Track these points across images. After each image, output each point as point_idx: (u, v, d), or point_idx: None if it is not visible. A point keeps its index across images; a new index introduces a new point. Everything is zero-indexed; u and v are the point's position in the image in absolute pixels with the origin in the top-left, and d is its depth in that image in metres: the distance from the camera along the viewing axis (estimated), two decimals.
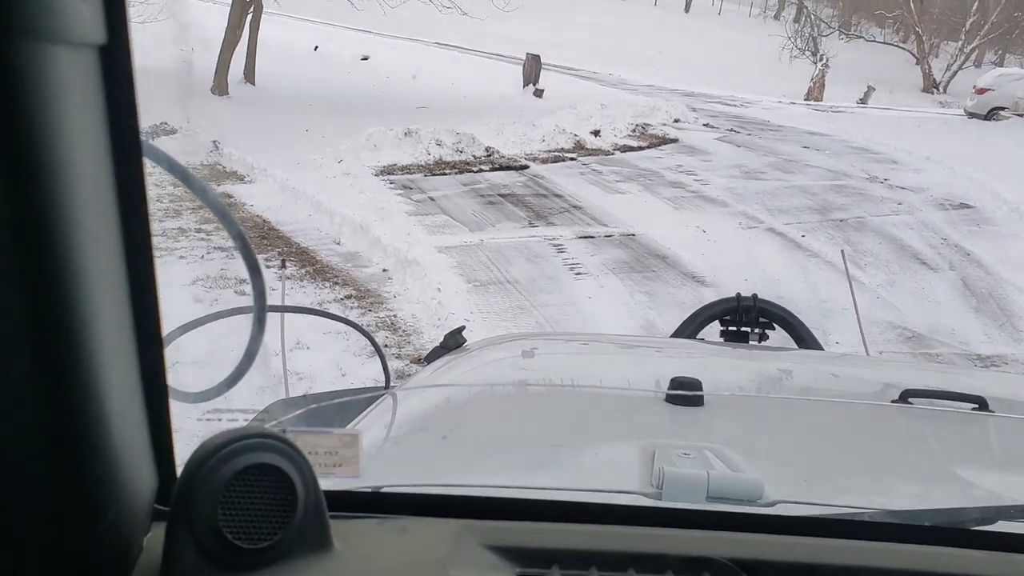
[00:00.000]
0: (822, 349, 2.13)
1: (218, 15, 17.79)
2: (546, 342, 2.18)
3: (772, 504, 0.88)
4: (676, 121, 15.38)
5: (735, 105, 22.65)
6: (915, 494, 1.10)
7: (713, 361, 1.77)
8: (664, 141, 13.54)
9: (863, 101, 30.27)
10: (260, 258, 0.95)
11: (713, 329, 2.16)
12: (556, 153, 12.15)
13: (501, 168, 11.11)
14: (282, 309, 1.66)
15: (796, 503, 0.90)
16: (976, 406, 1.27)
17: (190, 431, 1.06)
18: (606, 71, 28.05)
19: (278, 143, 11.92)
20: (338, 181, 9.85)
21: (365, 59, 26.69)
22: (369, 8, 21.65)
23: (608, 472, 1.07)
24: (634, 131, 14.01)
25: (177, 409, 0.69)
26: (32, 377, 0.46)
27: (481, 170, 10.95)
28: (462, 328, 1.82)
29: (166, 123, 11.02)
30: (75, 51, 0.43)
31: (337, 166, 10.43)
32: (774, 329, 2.08)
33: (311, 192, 9.02)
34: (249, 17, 18.18)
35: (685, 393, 1.24)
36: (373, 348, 1.71)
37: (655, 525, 0.77)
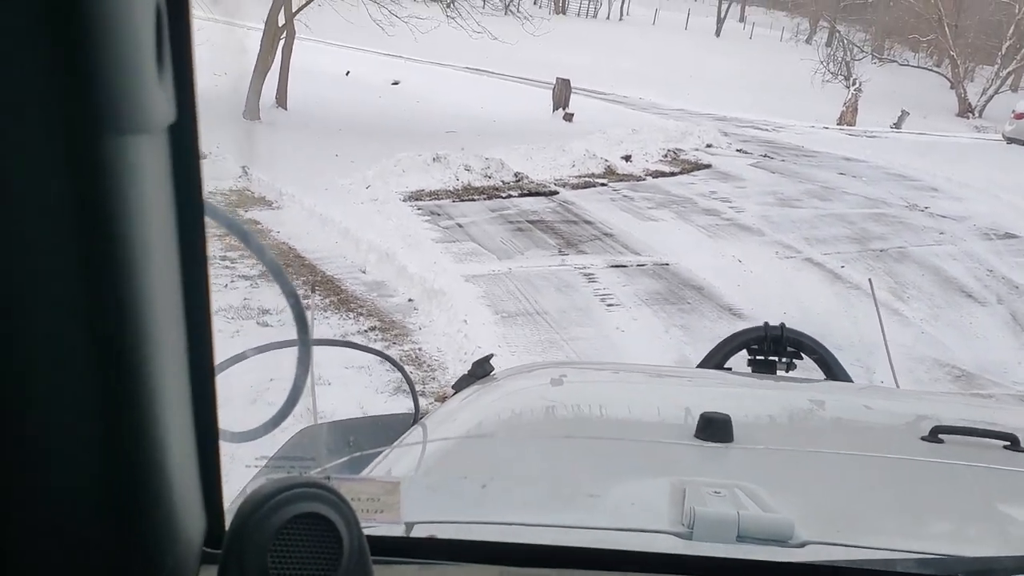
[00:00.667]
0: (851, 380, 2.08)
1: (255, 40, 17.88)
2: (574, 371, 2.16)
3: (802, 545, 0.87)
4: (709, 146, 15.09)
5: (767, 130, 22.33)
6: (946, 537, 1.07)
7: (742, 393, 1.73)
8: (697, 167, 13.26)
9: (897, 126, 29.78)
10: None
11: (740, 358, 2.13)
12: (586, 179, 11.92)
13: (530, 194, 10.89)
14: (316, 343, 1.60)
15: (826, 544, 0.89)
16: (1008, 443, 1.23)
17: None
18: (636, 95, 27.86)
19: (307, 168, 11.81)
20: (366, 207, 9.68)
21: (396, 84, 26.70)
22: (400, 34, 21.68)
23: (639, 510, 1.06)
24: (666, 156, 13.75)
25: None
26: (98, 423, 0.48)
27: (510, 196, 10.74)
28: (490, 356, 1.80)
29: None
30: (152, 136, 0.46)
31: (365, 192, 10.28)
32: (801, 359, 2.05)
33: (338, 219, 8.85)
34: (281, 43, 18.24)
35: (715, 429, 1.22)
36: (404, 379, 1.71)
37: (687, 573, 0.78)
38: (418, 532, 0.91)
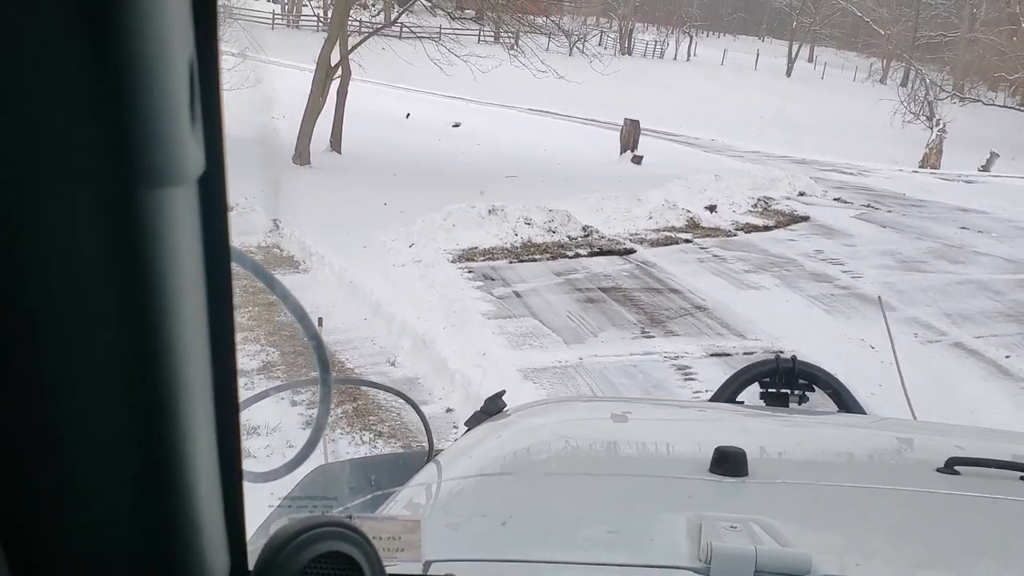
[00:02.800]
0: (864, 412, 1.95)
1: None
2: (588, 406, 2.08)
3: None
4: (801, 194, 13.02)
5: (853, 174, 20.09)
6: (962, 570, 1.01)
7: (755, 426, 1.66)
8: (793, 219, 11.21)
9: (986, 168, 27.12)
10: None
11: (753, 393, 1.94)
12: (667, 233, 9.98)
13: (602, 252, 9.00)
14: (337, 382, 1.83)
15: None
16: None
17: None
18: (707, 137, 25.86)
19: (349, 220, 10.16)
20: (407, 271, 7.91)
21: (457, 126, 25.24)
22: (461, 74, 20.16)
23: (657, 546, 1.00)
24: (755, 206, 11.73)
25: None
26: (127, 462, 0.49)
27: (578, 255, 8.87)
28: (502, 393, 1.70)
29: None
30: (184, 187, 0.47)
31: (408, 251, 8.52)
32: (814, 391, 1.92)
33: (372, 286, 7.09)
34: (337, 84, 16.80)
35: (730, 463, 1.15)
36: (419, 418, 1.57)
37: None
38: (436, 570, 0.89)
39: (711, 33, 49.45)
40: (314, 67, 16.06)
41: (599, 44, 38.10)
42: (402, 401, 1.69)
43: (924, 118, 29.77)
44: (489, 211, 9.41)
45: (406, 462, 1.65)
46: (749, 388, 2.00)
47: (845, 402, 1.93)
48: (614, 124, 25.71)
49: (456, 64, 17.84)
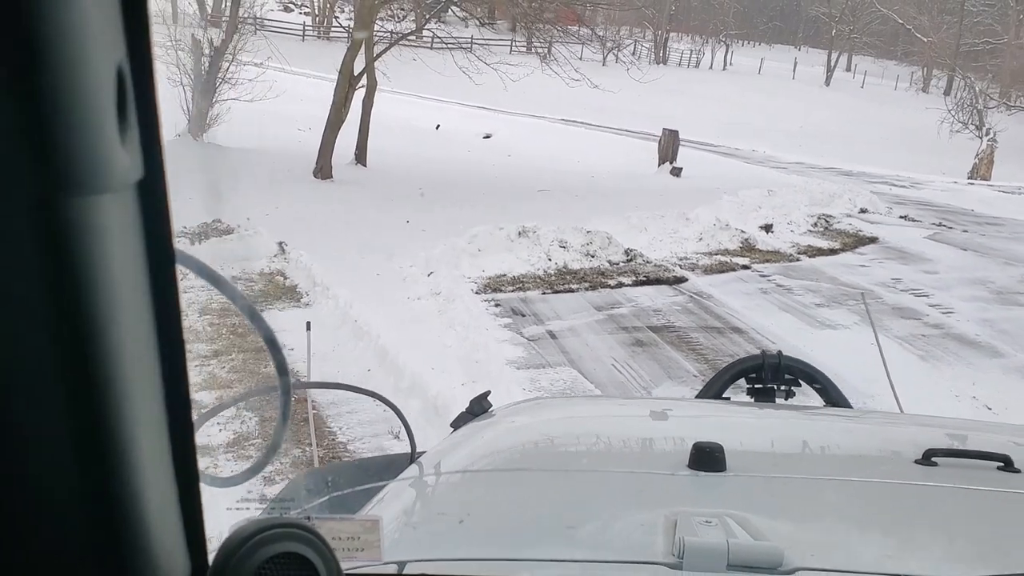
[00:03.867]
0: (850, 407, 1.90)
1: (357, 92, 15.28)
2: (573, 404, 2.05)
3: (793, 572, 0.83)
4: (863, 211, 11.62)
5: (905, 187, 18.57)
6: (938, 560, 0.99)
7: (738, 422, 1.61)
8: (860, 240, 9.82)
9: None
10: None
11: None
12: (720, 258, 8.67)
13: (648, 281, 7.72)
14: (299, 387, 1.71)
15: (816, 570, 0.84)
16: (1001, 464, 1.16)
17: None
18: (747, 147, 24.41)
19: (364, 242, 8.99)
20: (424, 305, 6.70)
21: (487, 137, 24.07)
22: (492, 85, 18.98)
23: (630, 542, 0.98)
24: (815, 225, 10.37)
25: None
26: (78, 471, 0.48)
27: (621, 284, 7.60)
28: (487, 393, 1.67)
29: (219, 221, 8.22)
30: (116, 195, 0.46)
31: (426, 280, 7.30)
32: (800, 386, 1.89)
33: (381, 326, 5.87)
34: (362, 95, 15.69)
35: (708, 459, 1.13)
36: (400, 420, 1.56)
37: None
38: (411, 570, 0.88)
39: (746, 42, 47.87)
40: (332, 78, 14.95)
41: (633, 54, 36.78)
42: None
43: (973, 127, 28.03)
44: (519, 233, 8.18)
45: (391, 464, 1.53)
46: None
47: (832, 396, 1.87)
48: (650, 135, 24.39)
49: (486, 73, 16.63)
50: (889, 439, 1.55)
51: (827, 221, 10.59)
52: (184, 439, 0.57)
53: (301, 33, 33.55)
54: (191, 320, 6.17)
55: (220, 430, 4.41)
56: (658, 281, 7.71)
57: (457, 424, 1.62)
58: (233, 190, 12.02)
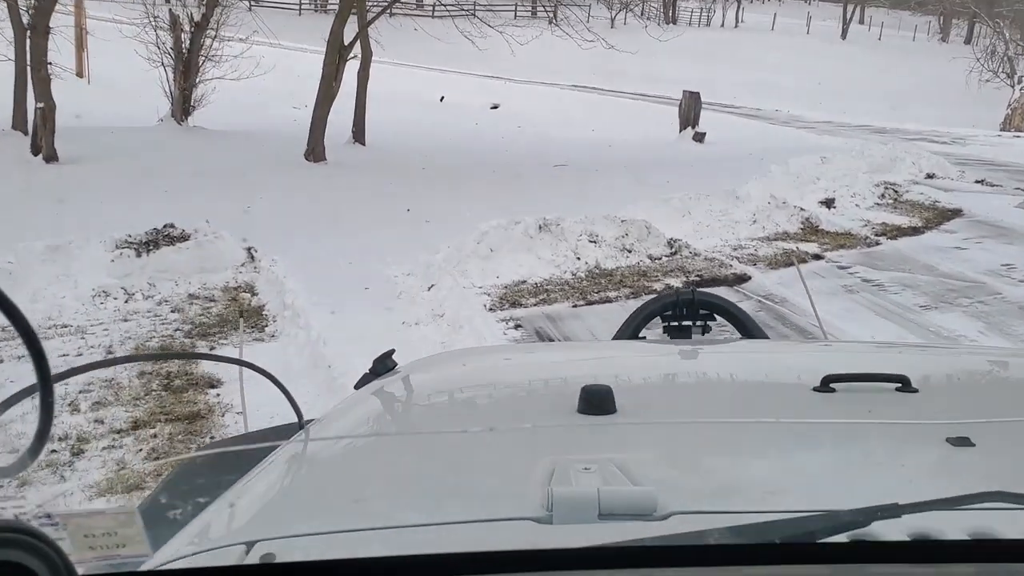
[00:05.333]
0: (767, 338, 1.88)
1: (349, 65, 13.42)
2: (478, 357, 1.84)
3: (666, 516, 0.75)
4: (930, 177, 9.81)
5: (946, 143, 16.66)
6: (818, 494, 0.86)
7: (640, 361, 1.52)
8: (941, 214, 8.05)
9: None
10: None
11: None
12: (782, 244, 6.94)
13: (702, 282, 6.01)
14: (65, 375, 1.15)
15: (691, 513, 0.76)
16: (899, 385, 1.09)
17: None
18: (769, 107, 22.45)
19: (354, 241, 7.32)
20: (422, 334, 5.03)
21: (495, 107, 22.21)
22: (497, 52, 17.12)
23: (505, 498, 0.88)
24: (883, 197, 8.59)
25: None
26: None
27: (669, 288, 5.92)
28: (392, 352, 1.49)
29: (171, 226, 6.55)
30: None
31: (427, 296, 5.63)
32: (715, 320, 1.84)
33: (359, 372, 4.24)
34: (356, 68, 13.89)
35: (595, 402, 1.05)
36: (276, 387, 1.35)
37: (545, 568, 0.68)
38: (259, 550, 0.77)
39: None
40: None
41: (641, 14, 34.58)
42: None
43: (1004, 75, 25.90)
44: (540, 227, 6.47)
45: (279, 435, 1.30)
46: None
47: (747, 328, 1.82)
48: (666, 98, 22.49)
49: (491, 37, 14.76)
50: (791, 368, 1.42)
51: (895, 191, 8.81)
52: None
53: (297, 7, 31.60)
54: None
55: None
56: (714, 281, 6.00)
57: (360, 385, 1.42)
58: (211, 180, 10.35)
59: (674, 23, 32.86)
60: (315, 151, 12.37)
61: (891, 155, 10.25)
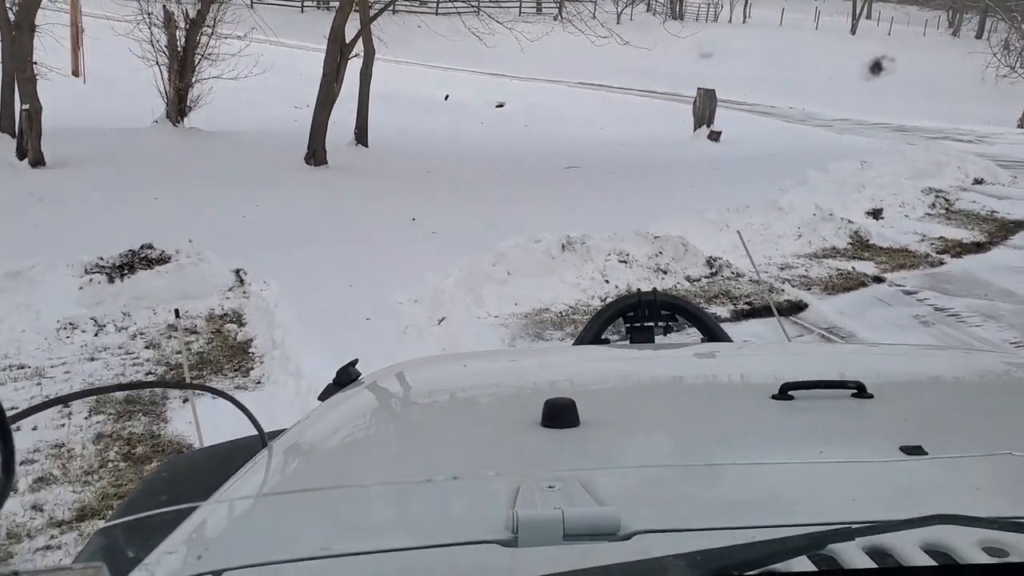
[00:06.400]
0: (729, 339, 1.80)
1: (352, 64, 12.51)
2: (443, 364, 1.76)
3: (629, 536, 0.73)
4: (978, 182, 8.96)
5: (971, 141, 15.82)
6: (782, 508, 0.85)
7: (600, 368, 1.47)
8: (1003, 227, 7.20)
9: None
10: None
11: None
12: (834, 262, 6.11)
13: (752, 310, 5.18)
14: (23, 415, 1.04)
15: (655, 532, 0.74)
16: (855, 391, 1.08)
17: None
18: (783, 104, 21.58)
19: (355, 258, 6.52)
20: None
21: (500, 106, 21.35)
22: (502, 49, 16.28)
23: (469, 519, 0.86)
24: (933, 206, 7.75)
25: None
26: None
27: (716, 318, 5.10)
28: (355, 361, 1.44)
29: (150, 247, 5.73)
30: None
31: (435, 332, 4.81)
32: (677, 321, 1.83)
33: None
34: (359, 66, 13.06)
35: (558, 415, 1.03)
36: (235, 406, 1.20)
37: None
38: None
39: None
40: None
41: (648, 9, 33.70)
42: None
43: (1022, 70, 25.02)
44: (563, 246, 5.64)
45: (242, 450, 1.23)
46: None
47: (710, 329, 1.81)
48: (675, 95, 21.64)
49: (499, 34, 13.91)
50: (751, 375, 1.42)
51: (945, 199, 7.97)
52: None
53: (300, 4, 30.71)
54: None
55: None
56: (767, 310, 5.17)
57: (324, 396, 1.38)
58: (205, 187, 9.53)
59: (680, 19, 31.95)
60: (316, 154, 11.54)
61: (934, 159, 9.39)
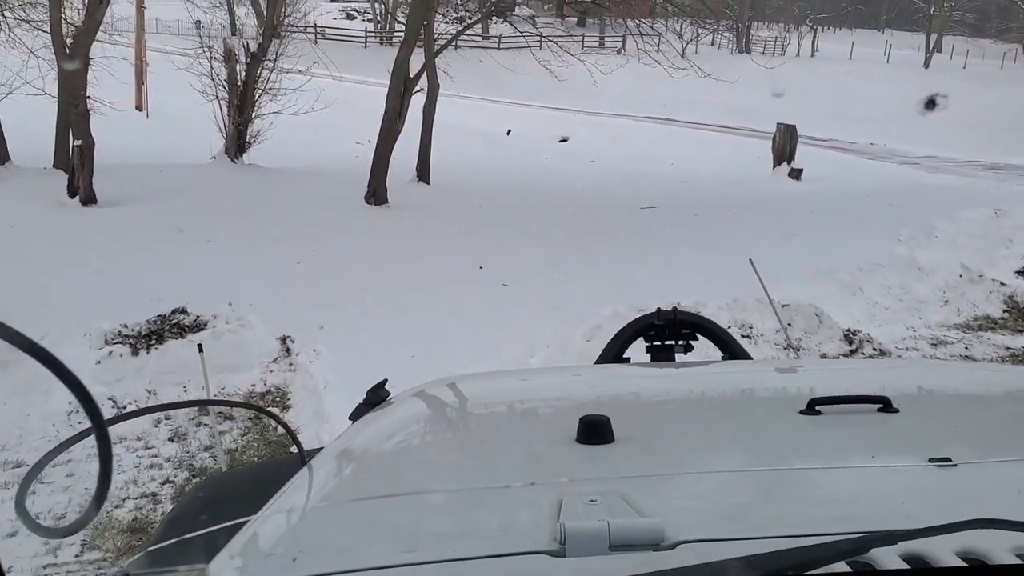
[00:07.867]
0: (749, 357, 1.86)
1: (414, 100, 11.70)
2: (470, 384, 1.69)
3: (674, 546, 0.74)
4: None
5: None
6: (817, 521, 0.82)
7: (630, 386, 1.48)
8: None
9: None
10: None
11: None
12: (994, 336, 4.92)
13: None
14: (117, 420, 1.24)
15: (699, 541, 0.75)
16: (880, 406, 1.06)
17: None
18: (862, 140, 20.21)
19: (418, 319, 5.58)
20: None
21: (564, 140, 20.45)
22: (565, 81, 15.36)
23: (515, 531, 0.86)
24: None
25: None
26: None
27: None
28: (384, 381, 1.42)
29: (183, 309, 4.84)
30: None
31: None
32: (697, 339, 1.81)
33: None
34: (423, 102, 12.30)
35: (594, 432, 1.02)
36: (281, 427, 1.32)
37: None
38: None
39: (826, 28, 43.00)
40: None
41: (712, 43, 32.61)
42: None
43: None
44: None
45: (283, 469, 1.23)
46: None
47: (729, 347, 1.80)
48: (747, 130, 20.50)
49: (571, 66, 13.00)
50: (776, 390, 1.41)
51: None
52: None
53: (363, 40, 30.46)
54: None
55: None
56: None
57: (355, 416, 1.37)
58: (260, 228, 8.73)
59: (747, 52, 30.76)
60: (376, 192, 10.72)
61: None
